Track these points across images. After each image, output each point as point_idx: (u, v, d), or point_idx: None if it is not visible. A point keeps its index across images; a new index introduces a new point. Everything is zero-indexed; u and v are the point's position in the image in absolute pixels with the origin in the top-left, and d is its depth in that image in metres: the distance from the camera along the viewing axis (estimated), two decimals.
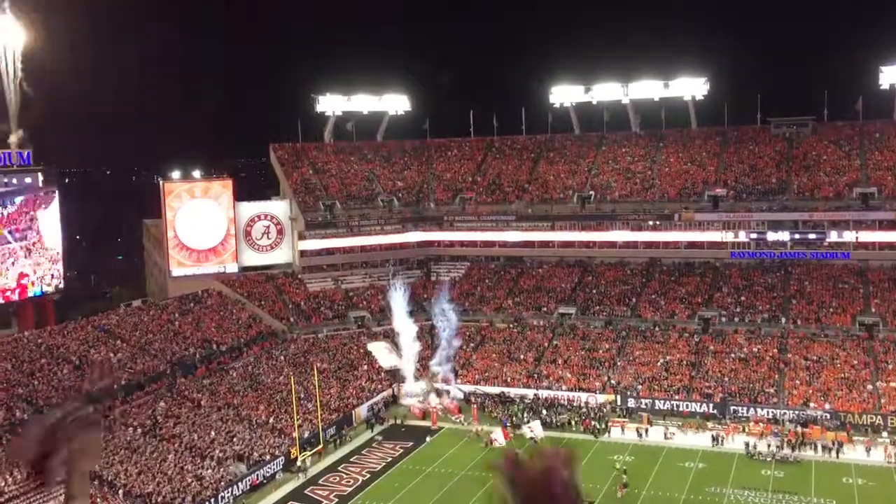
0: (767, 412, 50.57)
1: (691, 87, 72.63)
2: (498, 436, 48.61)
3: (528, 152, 79.80)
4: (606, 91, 75.23)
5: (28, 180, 58.02)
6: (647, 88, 73.90)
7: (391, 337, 61.54)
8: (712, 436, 48.58)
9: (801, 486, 41.69)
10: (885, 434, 47.21)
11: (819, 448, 46.15)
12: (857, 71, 70.73)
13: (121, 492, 40.16)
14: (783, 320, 59.57)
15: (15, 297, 56.65)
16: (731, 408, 51.48)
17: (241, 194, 73.42)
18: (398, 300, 60.42)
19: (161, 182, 70.99)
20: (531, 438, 47.63)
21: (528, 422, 50.50)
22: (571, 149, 78.37)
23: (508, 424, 51.90)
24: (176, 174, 72.24)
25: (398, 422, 54.21)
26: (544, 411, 53.71)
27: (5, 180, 56.47)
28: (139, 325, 58.40)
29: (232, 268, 70.76)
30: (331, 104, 79.06)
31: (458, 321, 59.76)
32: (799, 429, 47.94)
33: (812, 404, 50.43)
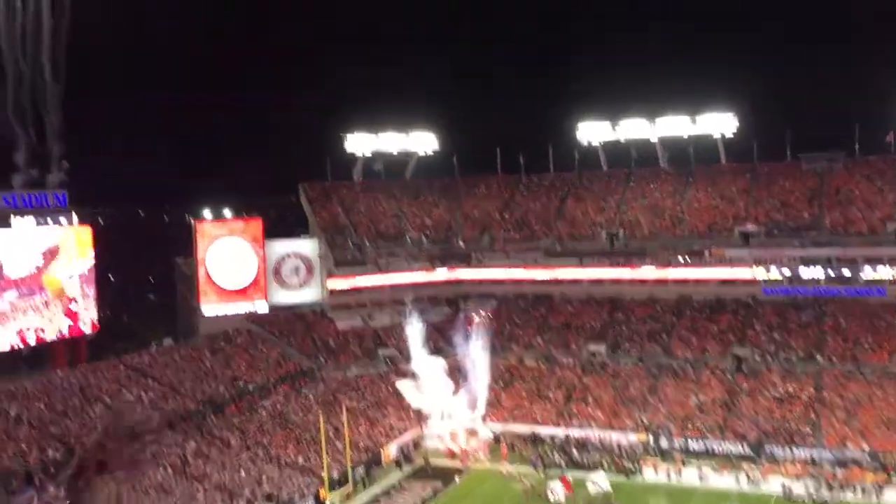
0: (804, 452, 49.49)
1: (719, 123, 72.34)
2: (557, 487, 44.28)
3: (555, 189, 79.82)
4: (633, 128, 75.14)
5: (63, 220, 59.03)
6: (675, 125, 73.69)
7: (419, 376, 61.29)
8: (748, 477, 47.58)
9: None
10: None
11: (859, 490, 45.00)
12: (888, 103, 70.02)
13: None
14: (818, 358, 58.50)
15: (52, 335, 57.34)
16: (767, 448, 50.46)
17: (270, 233, 74.08)
18: (416, 339, 60.34)
19: (192, 221, 71.88)
20: (596, 492, 44.15)
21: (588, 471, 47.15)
22: (599, 185, 78.29)
23: (541, 465, 51.32)
24: (207, 213, 73.14)
25: (427, 461, 53.79)
26: (575, 451, 53.04)
27: (41, 220, 57.50)
28: (170, 364, 58.76)
29: (262, 306, 71.16)
30: (359, 143, 79.81)
31: (487, 359, 59.33)
32: (837, 470, 46.85)
33: (850, 444, 49.28)
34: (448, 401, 57.91)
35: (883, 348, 57.69)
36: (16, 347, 55.34)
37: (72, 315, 58.98)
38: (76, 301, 59.40)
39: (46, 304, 57.34)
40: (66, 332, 58.55)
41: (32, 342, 56.27)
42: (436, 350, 59.48)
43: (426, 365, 59.55)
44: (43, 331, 56.97)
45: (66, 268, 58.86)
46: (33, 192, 57.51)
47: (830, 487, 45.26)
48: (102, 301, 65.69)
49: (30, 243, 56.67)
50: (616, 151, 78.25)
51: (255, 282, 71.18)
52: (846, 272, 62.80)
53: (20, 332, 55.50)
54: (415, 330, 61.45)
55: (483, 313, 70.12)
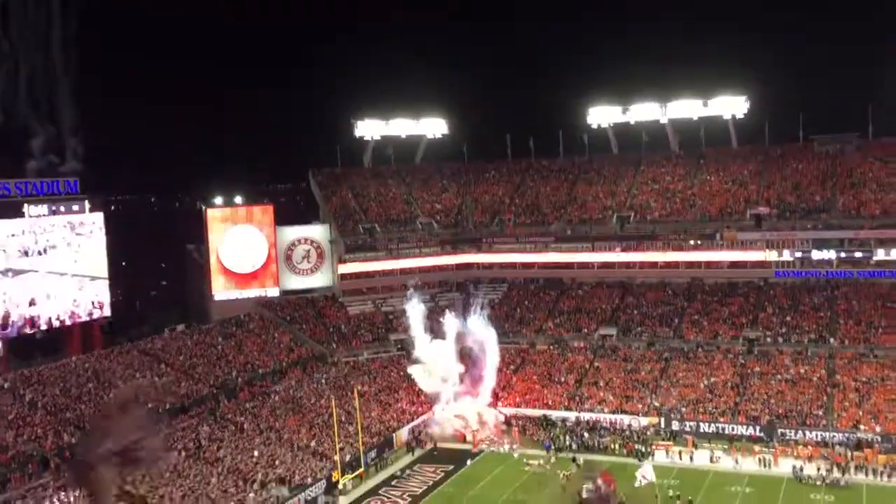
0: (816, 435, 49.45)
1: (731, 105, 71.91)
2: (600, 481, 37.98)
3: (566, 173, 79.64)
4: (644, 111, 74.86)
5: (76, 208, 59.35)
6: (686, 108, 73.34)
7: (428, 361, 61.35)
8: (760, 459, 47.60)
9: None
10: None
11: (871, 472, 44.95)
12: None
13: None
14: (831, 340, 58.32)
15: (66, 321, 57.80)
16: (779, 430, 50.42)
17: (281, 219, 74.31)
18: (426, 324, 60.41)
19: (204, 208, 72.15)
20: (645, 484, 42.14)
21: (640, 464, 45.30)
22: (610, 169, 78.03)
23: (552, 447, 51.47)
24: (218, 200, 73.39)
25: (437, 445, 54.07)
26: (586, 434, 53.18)
27: (53, 208, 57.84)
28: (183, 349, 59.16)
29: (273, 291, 71.50)
30: (369, 129, 79.88)
31: (497, 343, 59.35)
32: (849, 452, 46.79)
33: (862, 427, 49.19)
34: (457, 385, 58.05)
35: (895, 330, 57.41)
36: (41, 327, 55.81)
37: (86, 301, 59.39)
38: (90, 287, 59.78)
39: (63, 288, 57.73)
40: (82, 316, 58.95)
41: (45, 326, 56.72)
42: (445, 335, 59.43)
43: (435, 350, 59.69)
44: (58, 317, 57.41)
45: (79, 254, 59.21)
46: (45, 180, 57.76)
47: (842, 469, 45.23)
48: (115, 287, 66.13)
49: (44, 229, 57.03)
50: (627, 135, 78.04)
51: (266, 267, 71.48)
52: (858, 254, 62.52)
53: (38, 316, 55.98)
54: (424, 315, 61.54)
55: (493, 297, 70.26)
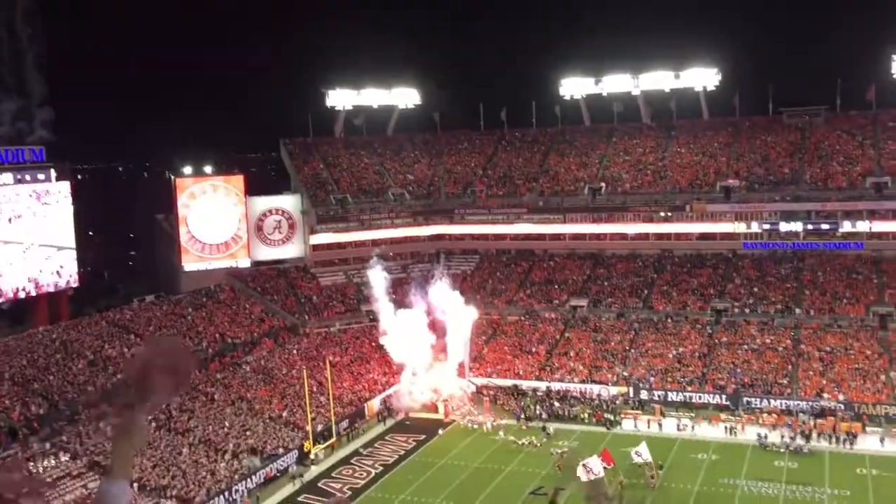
0: (781, 403, 50.45)
1: (703, 77, 72.24)
2: (595, 464, 36.76)
3: (538, 145, 79.68)
4: (617, 83, 74.94)
5: (41, 177, 58.37)
6: (658, 79, 73.57)
7: (398, 331, 61.22)
8: (725, 427, 48.51)
9: (815, 477, 41.59)
10: None
11: (833, 439, 46.01)
12: (869, 59, 70.15)
13: (135, 485, 40.43)
14: (796, 311, 59.33)
15: (32, 291, 57.06)
16: (744, 399, 51.36)
17: (252, 189, 73.62)
18: (396, 295, 59.78)
19: (173, 178, 71.27)
20: (639, 464, 41.60)
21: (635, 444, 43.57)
22: (582, 141, 78.19)
23: (522, 417, 51.98)
24: (187, 170, 72.48)
25: (409, 415, 54.40)
26: (556, 403, 53.79)
27: (19, 176, 56.84)
28: (153, 319, 58.73)
29: (244, 262, 71.05)
30: (341, 98, 79.12)
31: (469, 314, 59.54)
32: (812, 420, 47.83)
33: (826, 395, 50.26)
34: (427, 356, 58.13)
35: (859, 301, 58.55)
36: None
37: (53, 271, 58.61)
38: (57, 257, 58.99)
39: (29, 258, 56.90)
40: (49, 287, 58.20)
41: (11, 295, 55.97)
42: (416, 305, 59.38)
43: (405, 320, 59.63)
44: (24, 288, 56.64)
45: (46, 224, 58.33)
46: (10, 148, 56.70)
47: (806, 437, 46.24)
48: (83, 258, 65.34)
49: (9, 198, 56.03)
50: (599, 107, 78.14)
51: (237, 238, 70.94)
52: (825, 226, 63.46)
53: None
54: (390, 284, 61.24)
55: (464, 268, 70.35)
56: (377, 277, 59.42)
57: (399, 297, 60.38)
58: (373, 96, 79.76)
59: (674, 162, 72.27)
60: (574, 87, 76.56)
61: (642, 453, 41.26)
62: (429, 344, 57.91)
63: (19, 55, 57.55)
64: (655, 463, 41.92)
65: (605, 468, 38.66)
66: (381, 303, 58.90)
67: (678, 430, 49.05)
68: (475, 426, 51.71)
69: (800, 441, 45.88)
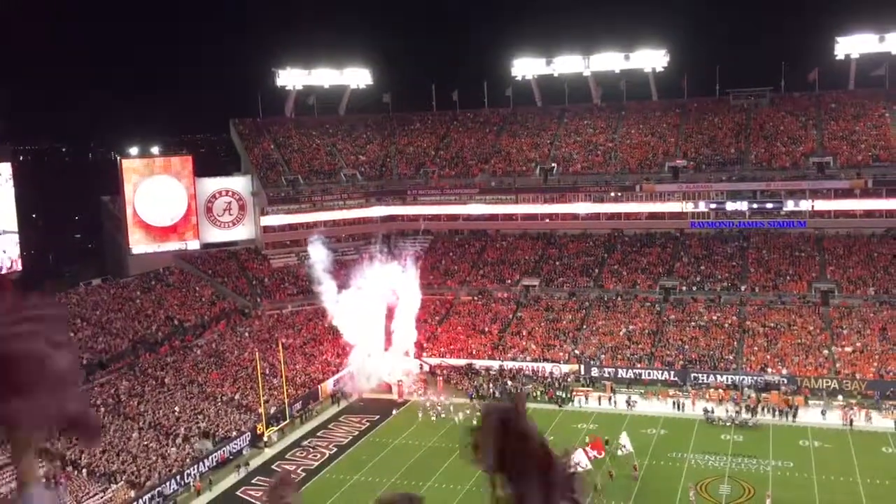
0: (726, 378, 51.69)
1: (651, 59, 73.07)
2: (581, 458, 36.65)
3: (490, 125, 79.83)
4: (568, 63, 75.39)
5: None
6: (608, 61, 74.19)
7: (351, 312, 60.95)
8: (673, 402, 49.57)
9: (760, 450, 42.78)
10: (839, 397, 48.51)
11: (776, 412, 47.33)
12: (813, 42, 71.81)
13: (84, 471, 39.89)
14: (742, 288, 60.72)
15: None
16: (692, 375, 52.51)
17: (201, 170, 72.46)
18: (345, 276, 59.19)
19: (119, 159, 69.79)
20: (625, 454, 41.35)
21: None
22: (533, 121, 78.55)
23: (474, 396, 52.36)
24: (134, 150, 71.03)
25: (363, 396, 54.44)
26: (509, 382, 54.33)
27: None
28: (100, 303, 57.71)
29: (194, 245, 70.02)
30: (291, 78, 78.13)
31: (421, 295, 59.66)
32: (757, 394, 49.11)
33: (770, 370, 51.64)
34: (379, 337, 58.03)
35: (802, 278, 60.14)
36: None
37: None
38: None
39: None
40: None
41: None
42: (367, 286, 59.17)
43: (358, 301, 59.40)
44: None
45: None
46: None
47: (751, 411, 47.50)
48: (26, 241, 63.79)
49: None
50: (550, 88, 78.55)
51: (186, 220, 69.84)
52: (769, 206, 64.91)
53: None
54: (345, 266, 60.98)
55: (417, 249, 70.35)
56: (318, 255, 58.75)
57: (351, 278, 60.08)
58: (324, 76, 78.97)
59: (623, 143, 73.07)
60: (526, 67, 76.80)
61: (626, 445, 41.03)
62: (381, 325, 57.86)
63: None
64: (601, 437, 42.06)
65: (595, 457, 39.09)
66: (323, 284, 58.26)
67: (628, 406, 49.94)
68: (439, 410, 51.10)
69: (745, 415, 47.10)
